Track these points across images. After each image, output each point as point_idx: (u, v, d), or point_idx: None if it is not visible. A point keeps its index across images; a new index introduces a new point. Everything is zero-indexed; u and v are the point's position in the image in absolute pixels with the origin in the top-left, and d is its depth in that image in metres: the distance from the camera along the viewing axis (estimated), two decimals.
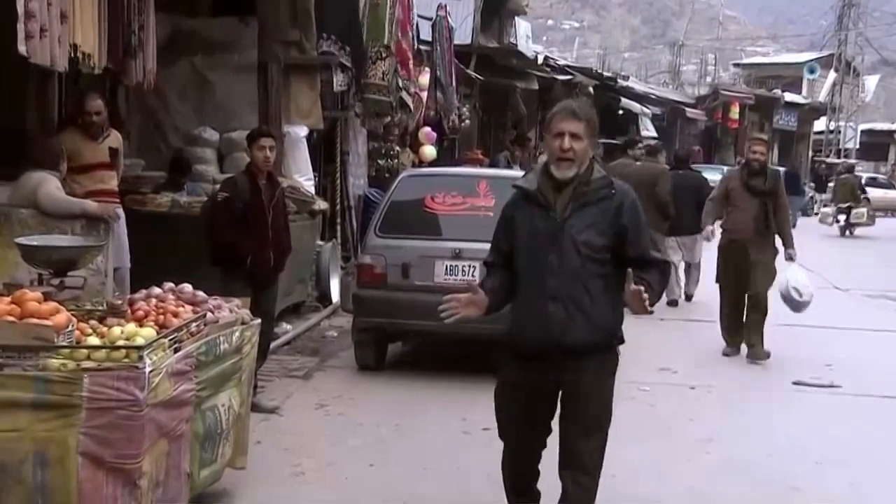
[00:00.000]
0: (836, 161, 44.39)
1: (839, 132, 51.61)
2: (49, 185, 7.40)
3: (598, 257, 4.54)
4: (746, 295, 10.18)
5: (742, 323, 10.30)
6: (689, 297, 13.96)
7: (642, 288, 4.39)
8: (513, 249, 4.71)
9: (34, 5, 6.77)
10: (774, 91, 51.08)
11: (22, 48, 6.81)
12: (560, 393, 4.70)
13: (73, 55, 7.41)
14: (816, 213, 35.24)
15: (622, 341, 4.75)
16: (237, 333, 5.55)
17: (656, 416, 8.01)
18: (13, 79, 8.90)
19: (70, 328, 4.64)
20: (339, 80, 12.58)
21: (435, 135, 18.03)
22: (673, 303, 13.48)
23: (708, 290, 12.08)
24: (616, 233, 4.56)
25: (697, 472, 6.66)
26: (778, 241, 10.28)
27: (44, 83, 9.17)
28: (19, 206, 7.41)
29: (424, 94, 17.10)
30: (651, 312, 4.50)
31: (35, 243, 5.77)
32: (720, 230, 10.63)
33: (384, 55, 13.80)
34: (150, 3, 8.82)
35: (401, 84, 14.89)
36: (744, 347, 10.26)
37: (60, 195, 7.42)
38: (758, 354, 10.04)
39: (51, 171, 7.52)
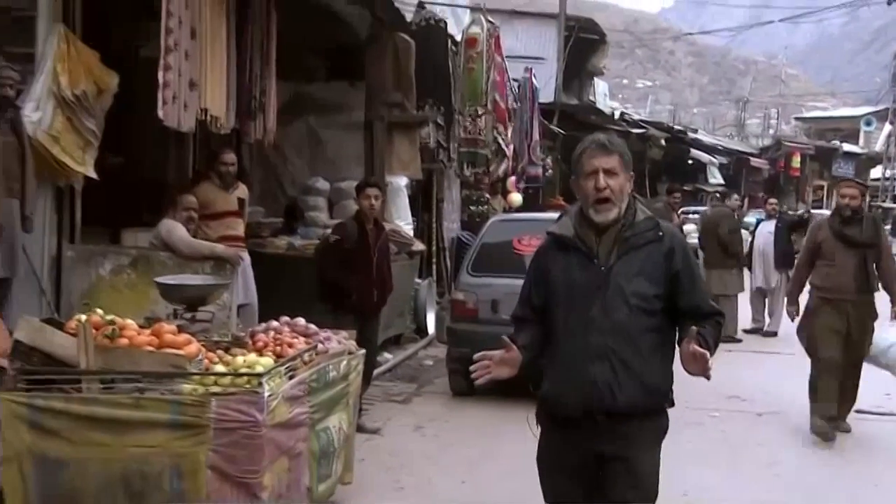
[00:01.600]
0: (893, 206, 43.43)
1: (895, 179, 50.50)
2: (179, 230, 7.58)
3: (648, 308, 3.59)
4: (844, 363, 7.94)
5: (840, 396, 8.01)
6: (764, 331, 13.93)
7: (707, 353, 3.47)
8: (546, 303, 3.75)
9: (169, 76, 7.03)
10: (833, 142, 50.39)
11: (160, 113, 7.07)
12: (604, 465, 3.68)
13: (203, 118, 7.65)
14: None
15: (672, 404, 3.76)
16: (344, 362, 5.59)
17: (726, 441, 7.87)
18: (156, 140, 9.19)
19: (200, 357, 4.73)
20: (434, 136, 12.77)
21: (522, 183, 18.07)
22: (758, 330, 13.66)
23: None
24: (668, 280, 3.62)
25: (765, 492, 6.53)
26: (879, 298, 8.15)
27: (181, 143, 9.44)
28: (158, 249, 7.63)
29: (512, 148, 17.19)
30: (709, 378, 3.54)
31: (171, 282, 5.88)
32: (808, 287, 8.29)
33: (481, 113, 13.94)
34: (271, 71, 9.06)
35: (498, 138, 15.02)
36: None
37: (193, 239, 7.61)
38: (842, 426, 8.11)
39: (175, 219, 7.69)
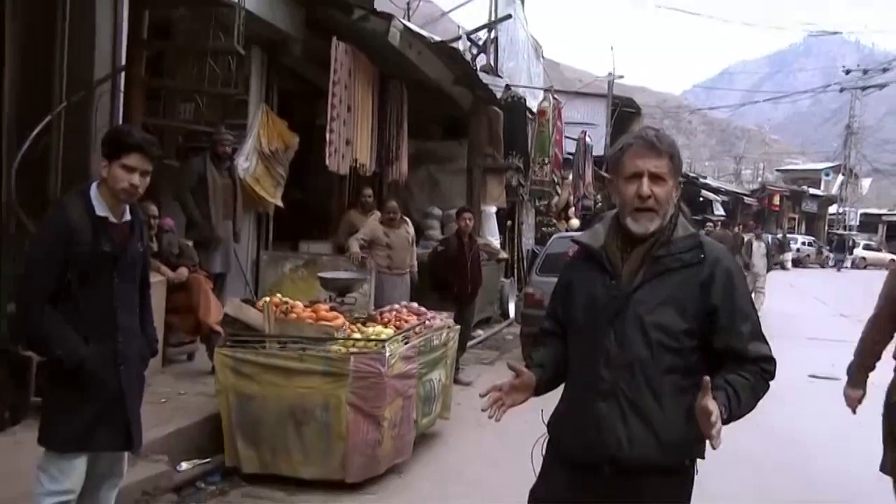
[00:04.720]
0: (843, 233, 42.50)
1: (845, 214, 49.05)
2: (366, 227, 7.33)
3: (674, 346, 2.02)
4: None
5: None
6: None
7: (716, 410, 1.87)
8: (566, 320, 2.21)
9: (333, 137, 7.11)
10: (803, 187, 49.64)
11: (326, 162, 7.15)
12: None
13: (354, 165, 7.70)
14: (833, 267, 34.00)
15: (702, 456, 2.12)
16: (444, 334, 5.54)
17: None
18: (324, 181, 9.32)
19: (344, 327, 4.76)
20: (516, 178, 12.67)
21: (579, 211, 17.83)
22: None
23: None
24: (703, 315, 2.03)
25: (747, 439, 6.19)
26: None
27: (340, 183, 9.55)
28: (322, 254, 7.68)
29: (569, 188, 17.00)
30: (714, 446, 1.93)
31: (327, 276, 5.93)
32: (894, 361, 3.52)
33: (546, 161, 13.79)
34: (404, 133, 9.13)
35: (556, 180, 14.84)
36: None
37: (354, 236, 7.30)
38: None
39: (379, 220, 7.40)
